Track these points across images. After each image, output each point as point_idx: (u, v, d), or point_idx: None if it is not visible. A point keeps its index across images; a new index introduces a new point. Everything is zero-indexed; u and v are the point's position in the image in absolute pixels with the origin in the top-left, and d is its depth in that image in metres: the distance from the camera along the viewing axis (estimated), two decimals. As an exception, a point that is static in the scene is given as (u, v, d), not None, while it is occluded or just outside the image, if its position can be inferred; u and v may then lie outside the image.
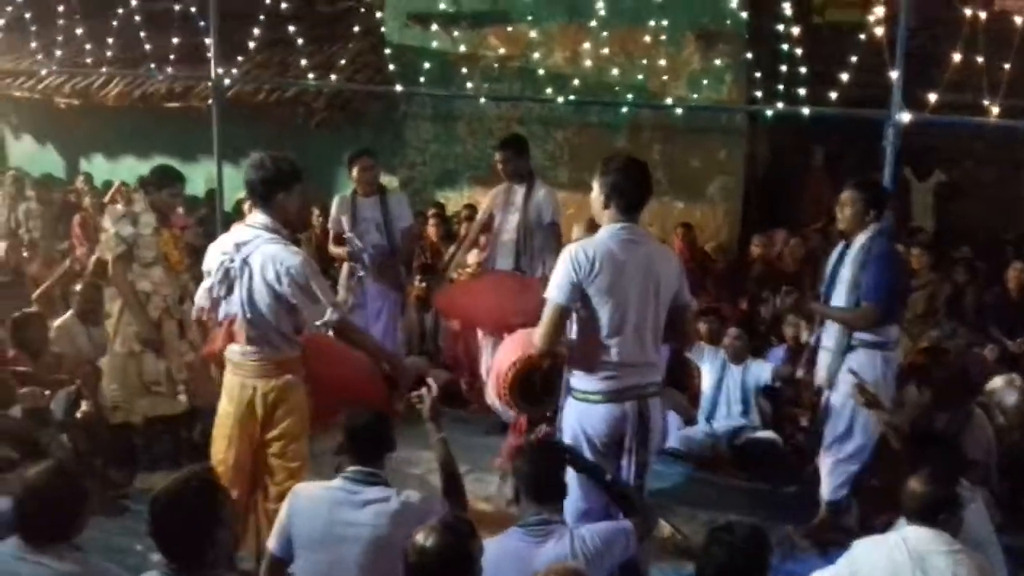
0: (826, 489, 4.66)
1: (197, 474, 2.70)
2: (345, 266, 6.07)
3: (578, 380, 3.56)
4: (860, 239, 4.45)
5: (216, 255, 3.74)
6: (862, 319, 4.38)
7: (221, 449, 3.88)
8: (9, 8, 9.16)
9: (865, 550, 3.13)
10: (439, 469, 3.42)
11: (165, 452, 5.09)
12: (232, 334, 3.71)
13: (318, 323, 3.63)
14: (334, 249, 6.14)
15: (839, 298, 4.49)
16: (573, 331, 3.54)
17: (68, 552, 2.84)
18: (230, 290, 3.68)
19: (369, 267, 5.84)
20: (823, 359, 4.61)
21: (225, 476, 3.84)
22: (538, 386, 4.30)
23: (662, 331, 3.56)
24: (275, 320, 3.67)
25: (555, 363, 4.21)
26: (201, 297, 3.84)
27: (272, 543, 3.17)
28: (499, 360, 4.53)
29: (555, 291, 3.43)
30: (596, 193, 3.54)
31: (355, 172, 5.89)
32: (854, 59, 6.35)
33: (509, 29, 8.87)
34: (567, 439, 3.59)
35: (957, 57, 5.64)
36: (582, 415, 3.54)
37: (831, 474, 4.62)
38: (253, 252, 3.62)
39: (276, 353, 3.74)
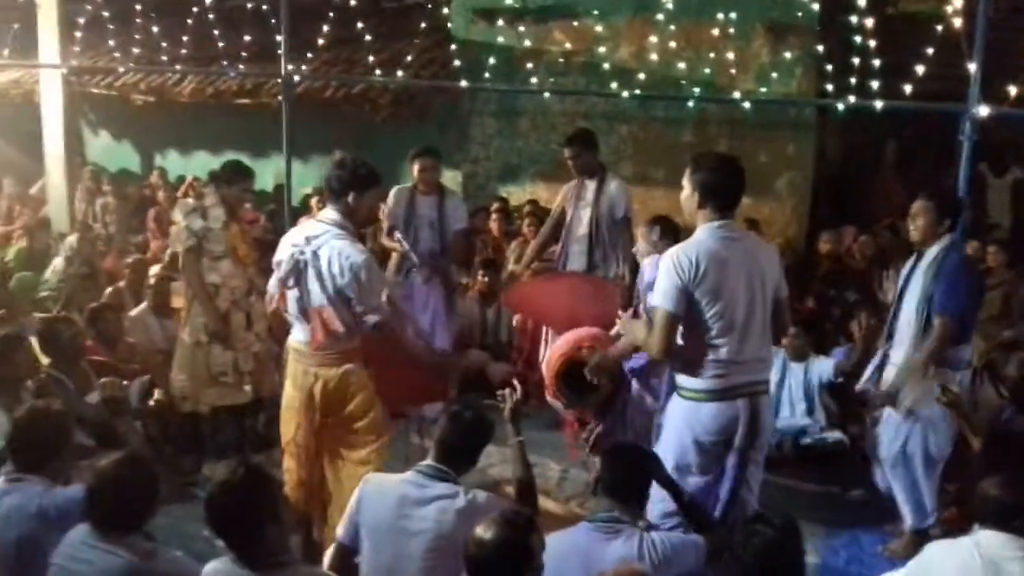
0: (907, 516, 4.48)
1: (248, 469, 2.73)
2: (394, 256, 6.07)
3: (686, 379, 3.50)
4: (932, 250, 4.25)
5: (287, 247, 3.91)
6: (944, 339, 4.13)
7: (289, 432, 4.06)
8: (88, 7, 9.43)
9: (936, 554, 3.04)
10: (513, 476, 3.42)
11: (230, 441, 5.22)
12: (324, 322, 3.82)
13: (366, 319, 3.78)
14: (386, 241, 6.13)
15: (909, 310, 4.30)
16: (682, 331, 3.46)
17: (138, 541, 2.90)
18: (298, 281, 3.84)
19: (419, 266, 5.81)
20: (888, 374, 4.41)
21: (292, 457, 4.06)
22: (585, 379, 4.29)
23: (770, 326, 3.52)
24: (341, 310, 3.80)
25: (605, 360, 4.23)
26: (272, 287, 4.02)
27: (340, 530, 3.20)
28: (551, 354, 4.55)
29: (663, 299, 3.37)
30: (688, 192, 3.48)
31: (416, 169, 5.89)
32: (929, 51, 6.18)
33: (575, 24, 8.85)
34: (671, 439, 3.55)
35: (1038, 48, 5.45)
36: (690, 414, 3.49)
37: (907, 503, 4.44)
38: (322, 246, 3.79)
39: (335, 343, 3.87)
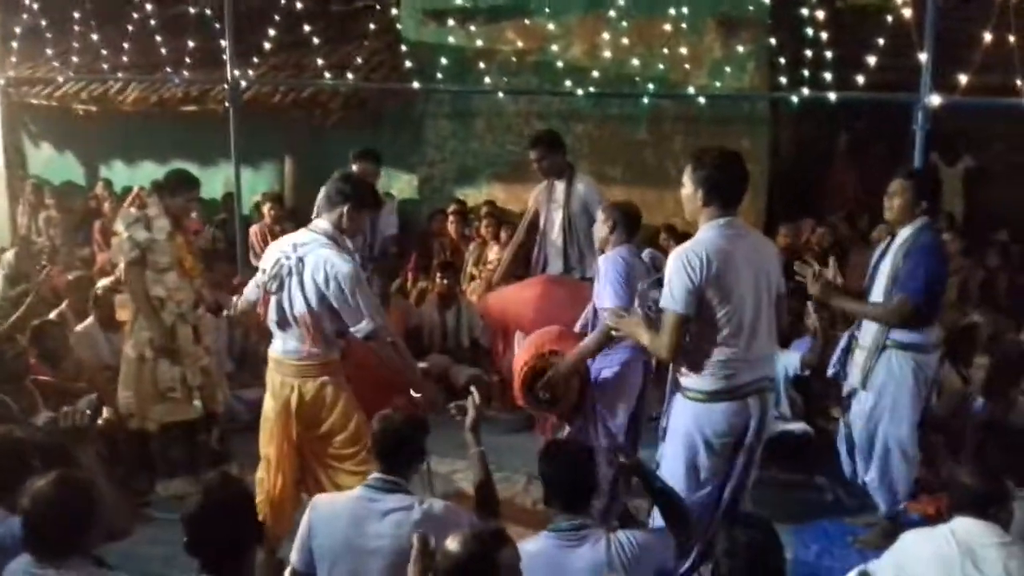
0: (880, 502, 4.48)
1: (230, 486, 2.67)
2: None
3: (693, 380, 3.43)
4: (906, 231, 4.24)
5: (275, 253, 3.92)
6: (895, 314, 4.14)
7: (265, 442, 4.05)
8: (25, 16, 9.15)
9: (912, 542, 3.02)
10: (474, 485, 3.33)
11: (181, 458, 5.05)
12: (308, 329, 3.82)
13: (353, 330, 3.79)
14: None
15: (878, 291, 4.29)
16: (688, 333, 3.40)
17: (83, 566, 2.76)
18: (281, 287, 3.84)
19: None
20: (858, 357, 4.40)
21: (269, 468, 4.00)
22: (550, 386, 4.24)
23: (775, 322, 3.48)
24: (323, 321, 3.81)
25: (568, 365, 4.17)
26: (251, 291, 4.09)
27: (294, 556, 3.10)
28: (516, 359, 4.48)
29: (673, 300, 3.29)
30: (690, 190, 3.39)
31: (356, 170, 5.74)
32: (881, 42, 6.20)
33: (526, 22, 8.78)
34: (679, 442, 3.48)
35: (988, 37, 5.49)
36: (700, 416, 3.42)
37: (879, 488, 4.43)
38: (309, 253, 3.81)
39: (315, 355, 3.87)
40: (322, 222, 3.92)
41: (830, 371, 4.64)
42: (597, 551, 2.90)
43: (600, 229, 4.36)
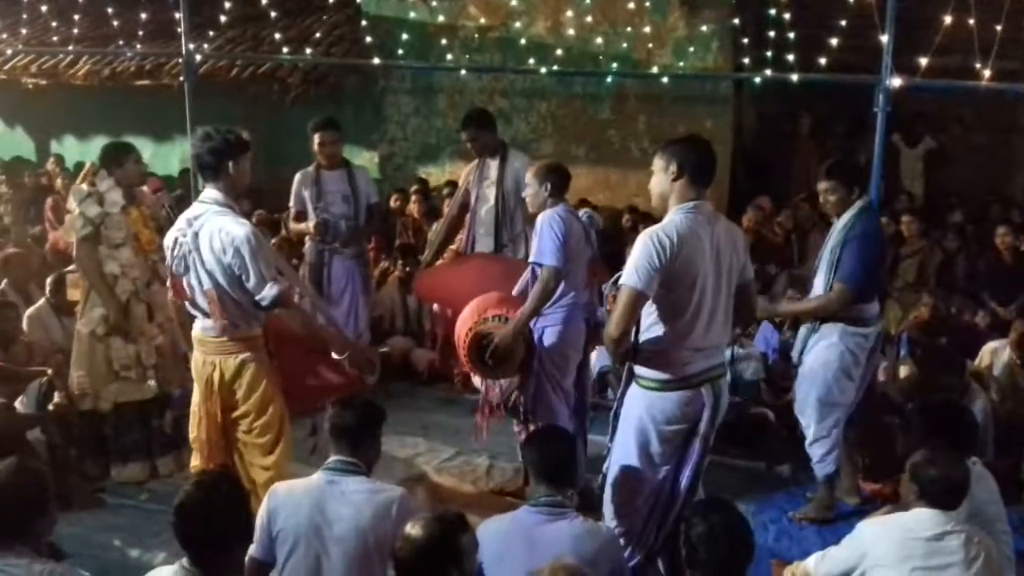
0: (814, 465, 4.58)
1: (223, 476, 2.64)
2: (308, 244, 5.87)
3: (647, 368, 3.40)
4: (844, 217, 4.35)
5: (173, 234, 3.74)
6: (836, 302, 4.30)
7: (193, 426, 3.90)
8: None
9: (874, 533, 3.03)
10: None
11: (136, 442, 4.91)
12: (217, 304, 3.65)
13: (258, 297, 3.59)
14: (294, 226, 5.93)
15: (820, 278, 4.42)
16: (643, 318, 3.37)
17: (35, 555, 2.70)
18: (187, 268, 3.69)
19: (339, 239, 5.67)
20: (801, 333, 4.57)
21: (199, 452, 3.88)
22: (497, 350, 4.22)
23: (732, 311, 3.45)
24: (232, 293, 3.64)
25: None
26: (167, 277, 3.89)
27: (253, 546, 3.02)
28: (459, 325, 4.45)
29: (634, 276, 3.22)
30: (660, 167, 3.36)
31: (316, 144, 5.67)
32: (843, 23, 6.21)
33: (489, -2, 8.68)
34: (632, 429, 3.45)
35: (948, 20, 5.51)
36: (652, 404, 3.40)
37: (811, 449, 4.53)
38: (203, 226, 3.63)
39: (233, 330, 3.71)
40: (210, 191, 3.69)
41: (794, 355, 4.68)
42: (574, 527, 2.95)
43: (534, 191, 4.40)
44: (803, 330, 4.56)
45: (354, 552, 2.91)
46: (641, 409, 3.42)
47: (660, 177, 3.38)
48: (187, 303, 3.80)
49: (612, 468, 3.54)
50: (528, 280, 4.43)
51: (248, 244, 3.53)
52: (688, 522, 2.72)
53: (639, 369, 3.43)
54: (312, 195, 5.70)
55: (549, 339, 4.40)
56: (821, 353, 4.39)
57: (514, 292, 4.54)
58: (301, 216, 5.80)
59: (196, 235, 3.62)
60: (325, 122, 5.73)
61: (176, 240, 3.68)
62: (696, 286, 3.26)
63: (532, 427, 4.43)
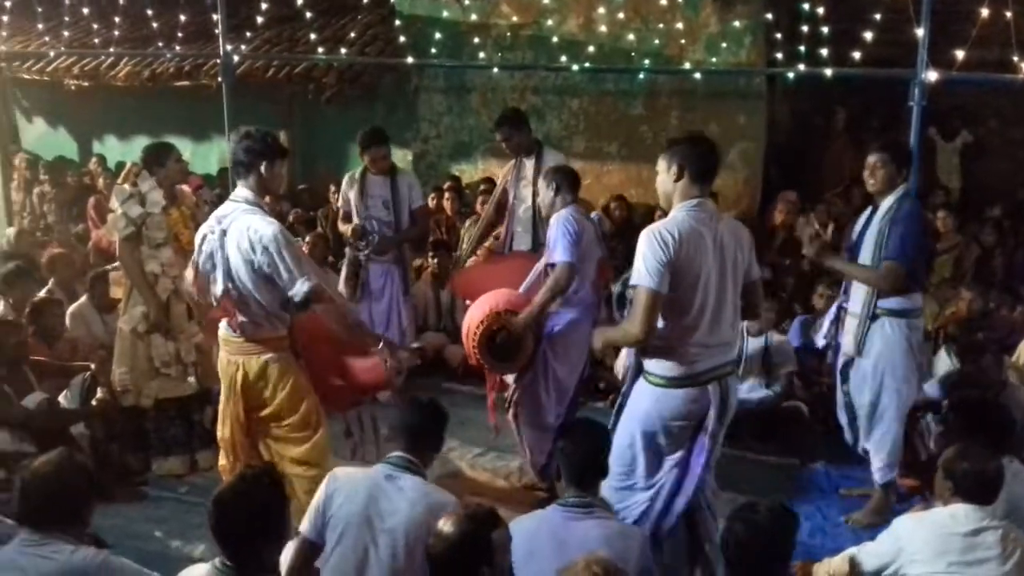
0: (876, 471, 4.53)
1: (264, 474, 2.65)
2: (347, 251, 6.01)
3: (655, 364, 3.43)
4: (888, 200, 4.34)
5: (203, 231, 3.77)
6: (886, 278, 4.26)
7: (220, 424, 3.94)
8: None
9: (911, 528, 3.03)
10: None
11: (177, 436, 5.03)
12: (226, 309, 3.70)
13: (291, 293, 3.55)
14: (342, 226, 6.14)
15: (865, 259, 4.39)
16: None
17: (77, 543, 2.79)
18: (214, 265, 3.69)
19: (375, 245, 5.80)
20: (849, 325, 4.49)
21: (225, 451, 3.93)
22: (507, 344, 4.33)
23: (739, 308, 3.46)
24: (256, 294, 3.64)
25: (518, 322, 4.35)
26: (189, 273, 3.89)
27: (306, 525, 3.08)
28: (470, 320, 4.53)
29: (646, 277, 3.25)
30: (663, 167, 3.40)
31: (367, 158, 5.83)
32: (877, 17, 6.16)
33: (521, -4, 8.69)
34: (637, 420, 3.49)
35: (984, 12, 5.45)
36: (660, 400, 3.43)
37: (877, 455, 4.49)
38: (231, 224, 3.63)
39: (258, 330, 3.72)
40: (241, 190, 3.70)
41: (820, 343, 4.68)
42: (604, 527, 2.96)
43: (543, 194, 4.56)
44: (852, 322, 4.45)
45: (402, 547, 2.95)
46: (648, 404, 3.45)
47: (663, 178, 3.42)
48: (212, 300, 3.80)
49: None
50: (540, 273, 4.57)
51: (276, 241, 3.52)
52: (730, 521, 2.72)
53: (648, 364, 3.46)
54: (356, 198, 5.87)
55: (557, 334, 4.52)
56: (886, 355, 4.33)
57: (520, 290, 4.64)
58: (348, 217, 6.00)
59: (224, 232, 3.63)
60: (372, 138, 5.85)
61: (205, 237, 3.71)
62: (699, 283, 3.28)
63: (517, 415, 4.64)
